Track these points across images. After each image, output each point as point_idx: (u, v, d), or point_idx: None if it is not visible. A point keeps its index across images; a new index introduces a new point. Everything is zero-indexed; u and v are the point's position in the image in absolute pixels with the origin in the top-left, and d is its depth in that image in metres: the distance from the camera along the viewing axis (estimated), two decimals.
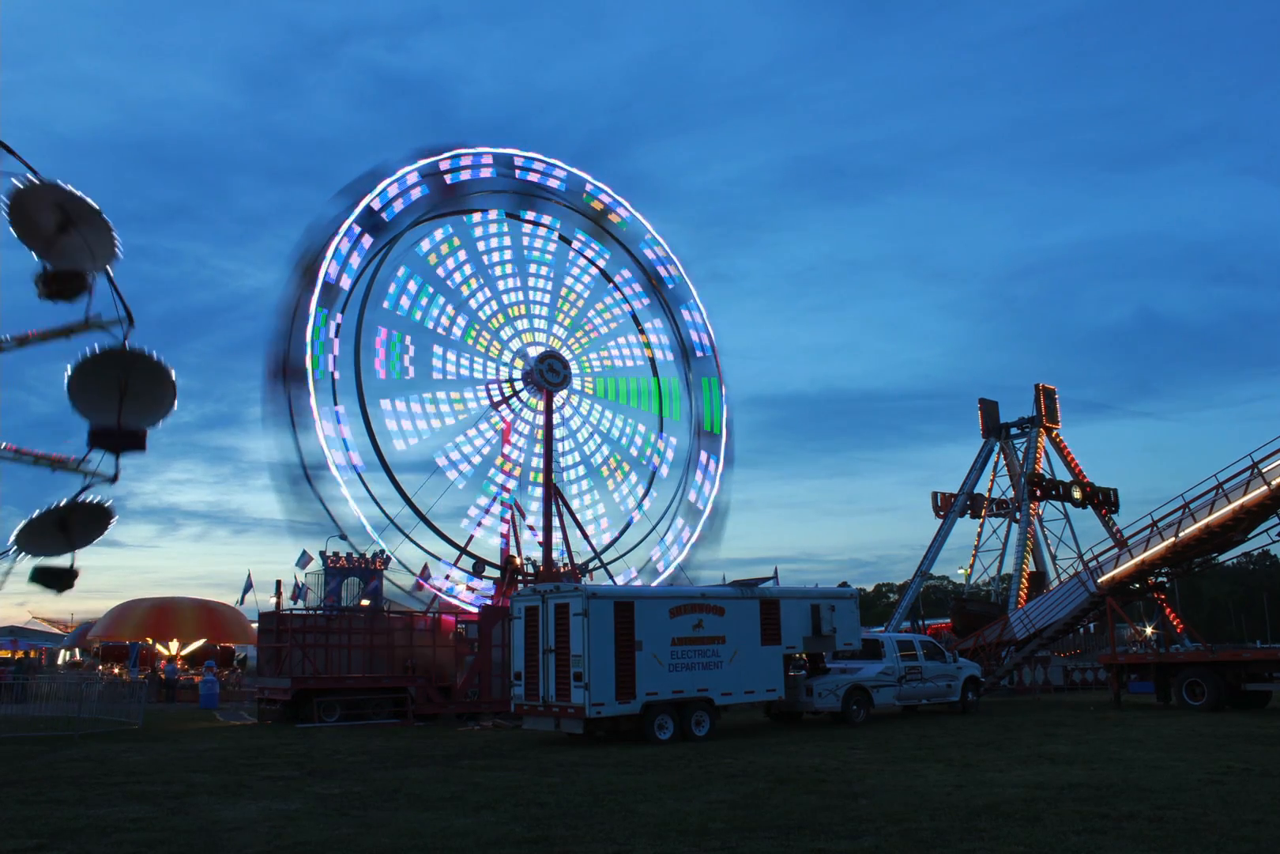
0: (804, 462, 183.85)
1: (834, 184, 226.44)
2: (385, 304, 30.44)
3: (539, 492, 33.42)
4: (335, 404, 28.83)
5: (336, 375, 28.97)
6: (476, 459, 32.23)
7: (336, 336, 29.23)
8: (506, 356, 33.29)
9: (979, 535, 48.82)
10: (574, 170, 35.10)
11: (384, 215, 30.34)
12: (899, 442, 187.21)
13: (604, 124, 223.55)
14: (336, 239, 29.07)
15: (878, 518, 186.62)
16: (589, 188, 35.40)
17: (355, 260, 29.73)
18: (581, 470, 35.25)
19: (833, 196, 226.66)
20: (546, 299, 34.48)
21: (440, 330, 31.48)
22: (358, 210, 29.67)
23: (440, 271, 31.96)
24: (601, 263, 36.39)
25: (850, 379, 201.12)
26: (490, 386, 33.11)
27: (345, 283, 29.43)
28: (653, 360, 37.56)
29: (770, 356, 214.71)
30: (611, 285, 36.60)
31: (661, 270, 36.93)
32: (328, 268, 28.79)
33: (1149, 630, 44.76)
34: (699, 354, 37.49)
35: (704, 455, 36.83)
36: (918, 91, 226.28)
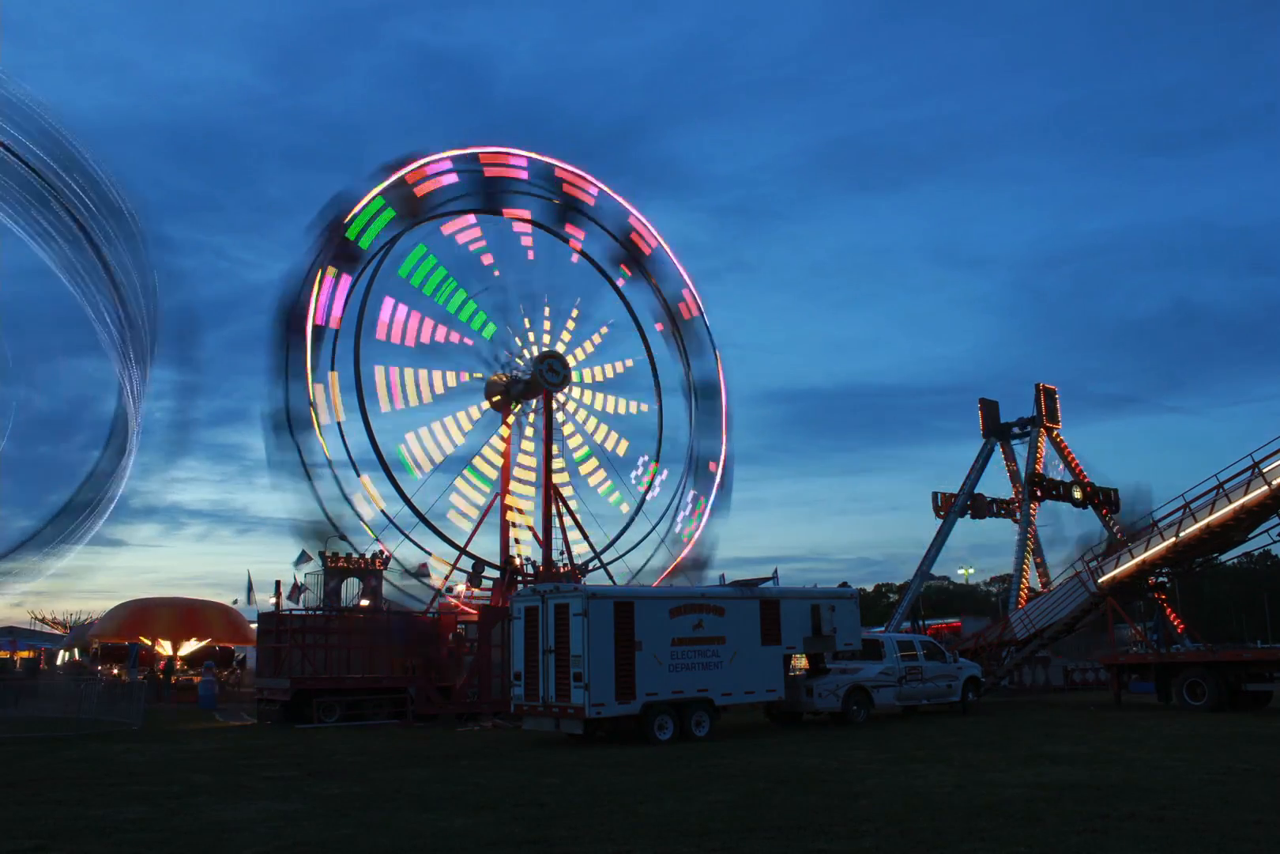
0: (816, 458, 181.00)
1: (865, 170, 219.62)
2: (399, 274, 30.56)
3: (538, 491, 33.44)
4: (332, 365, 29.06)
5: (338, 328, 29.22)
6: (475, 458, 32.27)
7: (345, 301, 29.43)
8: (505, 356, 33.30)
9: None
10: (613, 193, 35.18)
11: (413, 195, 30.40)
12: (917, 438, 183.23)
13: (638, 105, 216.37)
14: (363, 202, 29.29)
15: (889, 516, 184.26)
16: (624, 215, 35.41)
17: (378, 232, 29.87)
18: (582, 469, 35.26)
19: (863, 184, 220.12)
20: (561, 307, 34.51)
21: (450, 306, 31.43)
22: (387, 182, 29.71)
23: (457, 259, 32.07)
24: (623, 287, 36.49)
25: (869, 374, 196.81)
26: (491, 385, 33.11)
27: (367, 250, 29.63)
28: (656, 379, 37.66)
29: (789, 350, 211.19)
30: (630, 315, 36.77)
31: (684, 309, 36.81)
32: (348, 233, 28.96)
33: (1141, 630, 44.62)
34: (708, 398, 37.22)
35: (693, 494, 36.46)
36: (960, 73, 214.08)
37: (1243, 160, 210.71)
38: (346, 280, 29.26)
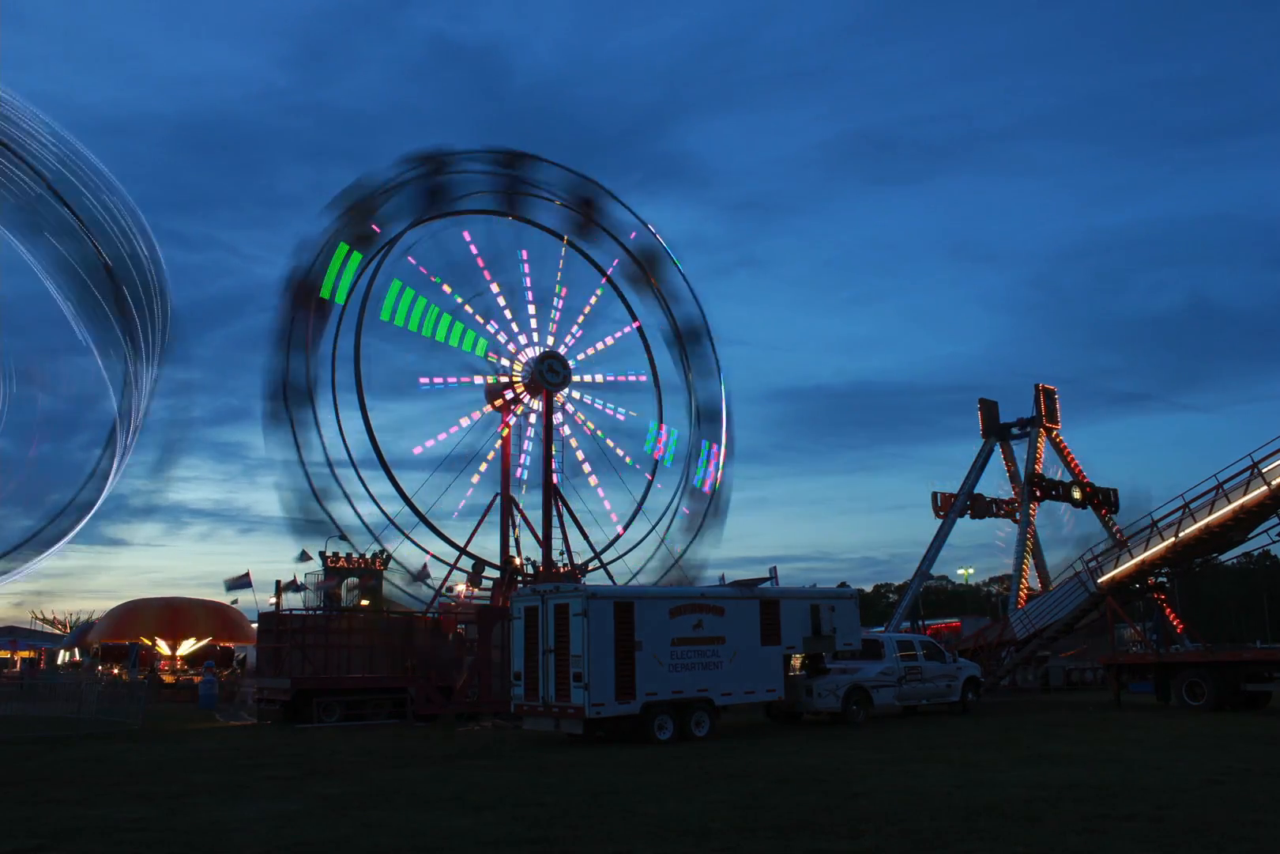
0: (822, 457, 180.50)
1: (883, 163, 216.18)
2: (382, 311, 30.50)
3: (539, 492, 33.50)
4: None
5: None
6: (476, 459, 32.34)
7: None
8: (504, 361, 33.30)
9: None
10: (564, 167, 34.84)
11: (376, 221, 30.23)
12: (927, 437, 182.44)
13: (653, 99, 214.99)
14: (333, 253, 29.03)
15: (895, 515, 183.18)
16: (578, 183, 34.99)
17: (351, 272, 29.59)
18: (583, 468, 35.30)
19: (880, 177, 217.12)
20: (543, 297, 34.50)
21: (438, 335, 31.44)
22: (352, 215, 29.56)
23: (437, 274, 31.98)
24: (592, 254, 36.40)
25: (880, 372, 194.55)
26: (491, 389, 33.15)
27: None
28: (649, 353, 37.64)
29: (799, 348, 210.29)
30: (604, 278, 36.53)
31: (649, 254, 36.54)
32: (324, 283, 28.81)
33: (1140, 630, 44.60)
34: (695, 343, 37.23)
35: (704, 444, 36.72)
36: (978, 63, 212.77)
37: (1266, 153, 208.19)
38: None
